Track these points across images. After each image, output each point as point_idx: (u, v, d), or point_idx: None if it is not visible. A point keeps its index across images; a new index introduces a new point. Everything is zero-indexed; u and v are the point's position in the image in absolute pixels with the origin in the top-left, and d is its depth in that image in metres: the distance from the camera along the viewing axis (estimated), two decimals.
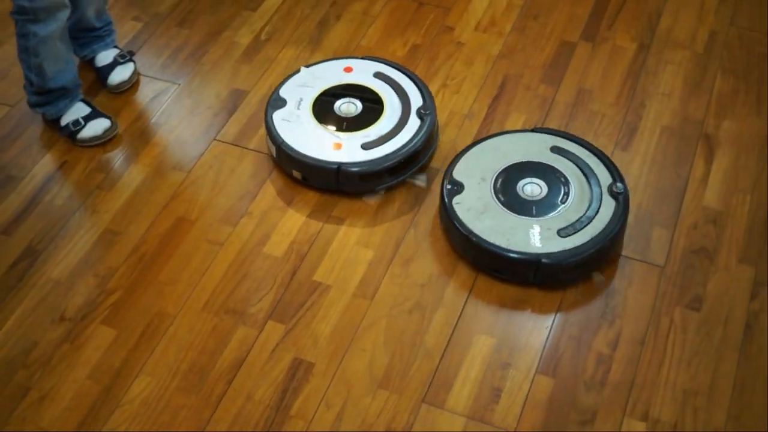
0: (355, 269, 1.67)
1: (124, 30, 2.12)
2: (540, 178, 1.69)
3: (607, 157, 1.72)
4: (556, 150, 1.73)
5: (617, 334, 1.55)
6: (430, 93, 1.85)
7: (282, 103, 1.84)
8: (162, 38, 2.10)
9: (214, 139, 1.88)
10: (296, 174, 1.77)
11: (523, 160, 1.72)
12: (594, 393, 1.48)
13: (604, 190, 1.66)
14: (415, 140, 1.76)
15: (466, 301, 1.61)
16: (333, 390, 1.50)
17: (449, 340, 1.56)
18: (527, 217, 1.62)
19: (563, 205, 1.64)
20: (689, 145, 1.84)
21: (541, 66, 1.99)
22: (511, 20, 2.09)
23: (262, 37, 2.09)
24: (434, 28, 2.08)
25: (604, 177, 1.69)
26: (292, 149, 1.75)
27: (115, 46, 2.01)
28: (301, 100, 1.84)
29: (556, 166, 1.71)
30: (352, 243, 1.71)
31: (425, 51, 2.03)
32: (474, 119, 1.90)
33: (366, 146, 1.75)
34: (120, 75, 1.97)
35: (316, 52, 2.05)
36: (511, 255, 1.57)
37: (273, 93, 1.86)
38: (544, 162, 1.71)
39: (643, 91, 1.93)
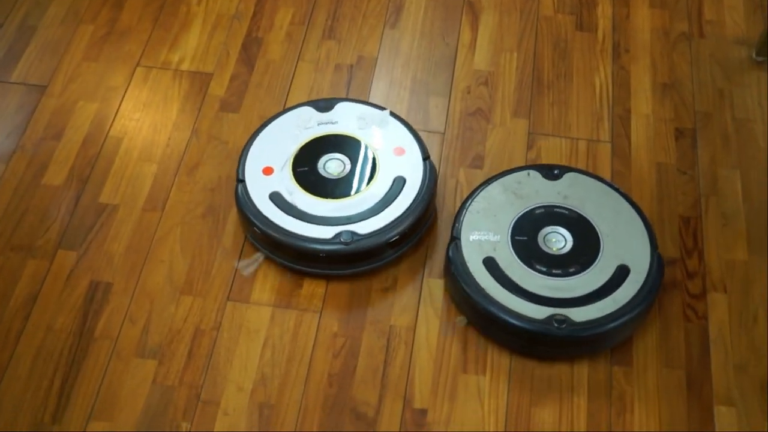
0: (142, 185, 1.63)
1: None
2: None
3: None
4: None
5: None
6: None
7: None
8: None
9: None
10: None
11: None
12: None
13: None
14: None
15: None
16: (135, 305, 1.48)
17: (246, 237, 1.56)
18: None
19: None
20: (454, 13, 1.88)
21: None
22: None
23: None
24: None
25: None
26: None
27: None
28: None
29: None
30: (135, 159, 1.66)
31: None
32: (242, 19, 1.88)
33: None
34: None
35: None
36: None
37: None
38: None
39: None
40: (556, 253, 1.45)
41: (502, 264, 1.43)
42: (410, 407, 1.37)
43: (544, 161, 1.65)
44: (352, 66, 1.80)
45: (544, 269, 1.43)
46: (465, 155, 1.66)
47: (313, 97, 1.74)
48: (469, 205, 1.51)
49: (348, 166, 1.56)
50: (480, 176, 1.63)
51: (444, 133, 1.70)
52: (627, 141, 1.68)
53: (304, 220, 1.49)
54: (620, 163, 1.65)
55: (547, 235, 1.47)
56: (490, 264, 1.43)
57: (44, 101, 1.75)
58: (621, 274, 1.42)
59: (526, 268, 1.43)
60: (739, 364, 1.41)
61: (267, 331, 1.45)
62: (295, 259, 1.49)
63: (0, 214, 1.59)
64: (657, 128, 1.70)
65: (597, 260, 1.44)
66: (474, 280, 1.41)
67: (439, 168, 1.64)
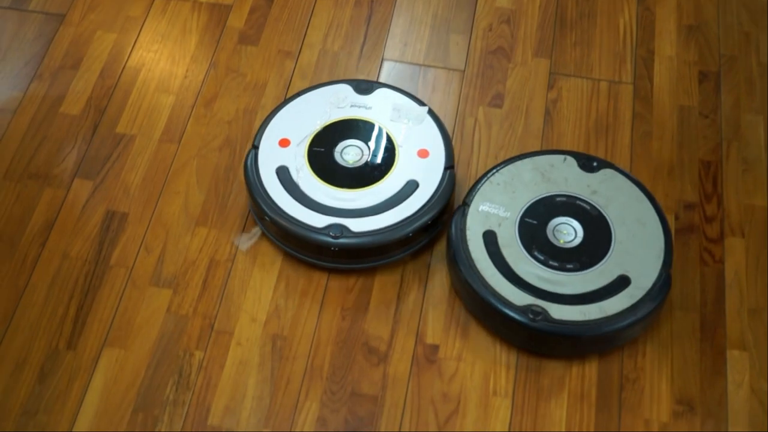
0: (159, 116, 1.62)
1: None
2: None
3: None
4: None
5: None
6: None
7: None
8: None
9: None
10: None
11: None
12: None
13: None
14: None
15: None
16: (150, 235, 1.48)
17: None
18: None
19: None
20: None
21: None
22: None
23: None
24: None
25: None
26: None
27: None
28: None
29: None
30: (152, 90, 1.66)
31: None
32: None
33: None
34: None
35: None
36: None
37: None
38: None
39: None
40: (561, 245, 1.38)
41: (501, 242, 1.38)
42: (422, 342, 1.38)
43: (565, 102, 1.63)
44: (372, 1, 1.77)
45: (541, 258, 1.36)
46: (484, 94, 1.65)
47: (332, 32, 1.73)
48: (492, 175, 1.45)
49: (365, 157, 1.47)
50: (499, 115, 1.61)
51: (464, 71, 1.68)
52: (649, 83, 1.66)
53: (301, 203, 1.41)
54: (642, 106, 1.63)
55: (558, 225, 1.40)
56: (489, 238, 1.38)
57: (62, 30, 1.74)
58: (619, 284, 1.34)
59: (524, 252, 1.37)
60: (754, 309, 1.41)
61: (281, 264, 1.45)
62: (282, 239, 1.43)
63: (17, 143, 1.59)
64: (680, 71, 1.68)
65: (599, 264, 1.36)
66: (467, 249, 1.37)
67: (458, 106, 1.63)
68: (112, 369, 1.35)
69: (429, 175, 1.45)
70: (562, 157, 1.47)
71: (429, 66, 1.68)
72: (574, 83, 1.66)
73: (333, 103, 1.53)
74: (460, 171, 1.55)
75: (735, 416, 1.32)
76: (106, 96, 1.65)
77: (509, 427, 1.30)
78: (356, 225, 1.40)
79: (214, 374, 1.35)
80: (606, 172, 1.46)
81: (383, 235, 1.39)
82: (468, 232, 1.39)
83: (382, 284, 1.43)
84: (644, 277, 1.35)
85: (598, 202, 1.42)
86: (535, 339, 1.34)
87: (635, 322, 1.32)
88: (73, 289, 1.42)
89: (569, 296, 1.33)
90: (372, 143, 1.49)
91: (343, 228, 1.39)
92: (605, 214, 1.41)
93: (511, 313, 1.32)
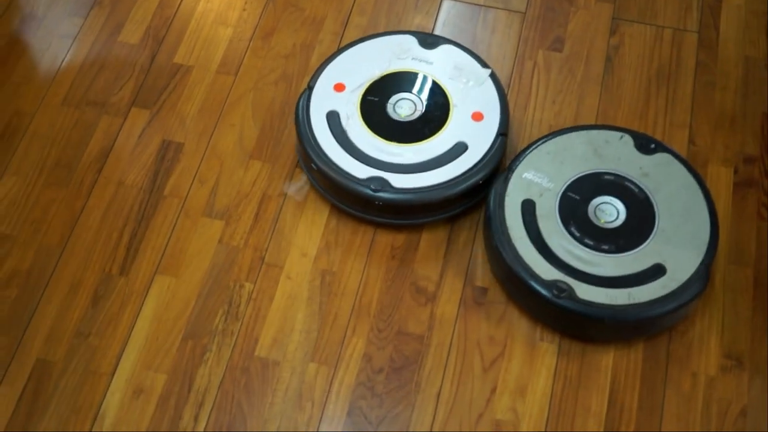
0: (216, 48, 1.62)
1: None
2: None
3: None
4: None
5: None
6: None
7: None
8: None
9: None
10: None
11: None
12: None
13: None
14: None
15: None
16: (205, 166, 1.49)
17: None
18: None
19: None
20: None
21: None
22: None
23: None
24: None
25: None
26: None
27: None
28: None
29: None
30: (210, 22, 1.65)
31: None
32: None
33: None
34: None
35: None
36: None
37: None
38: None
39: None
40: (601, 225, 1.33)
41: (540, 212, 1.33)
42: (471, 284, 1.38)
43: (627, 48, 1.60)
44: None
45: (577, 234, 1.32)
46: (545, 37, 1.62)
47: None
48: (542, 143, 1.40)
49: (417, 113, 1.44)
50: (559, 59, 1.59)
51: (525, 13, 1.65)
52: (715, 32, 1.62)
53: (346, 150, 1.39)
54: (705, 54, 1.59)
55: (601, 204, 1.35)
56: (527, 207, 1.34)
57: None
58: (654, 272, 1.29)
59: (561, 226, 1.32)
60: None
61: (330, 209, 1.45)
62: (324, 186, 1.42)
63: (77, 69, 1.60)
64: (748, 20, 1.63)
65: (636, 249, 1.31)
66: (503, 215, 1.33)
67: (517, 49, 1.60)
68: (164, 296, 1.37)
69: (480, 140, 1.41)
70: (619, 134, 1.41)
71: (489, 7, 1.66)
72: (637, 29, 1.62)
73: (395, 53, 1.50)
74: (516, 115, 1.53)
75: None
76: (165, 26, 1.65)
77: (555, 373, 1.30)
78: (398, 180, 1.37)
79: (263, 306, 1.36)
80: (663, 156, 1.39)
81: (423, 195, 1.36)
82: (507, 198, 1.35)
83: (433, 225, 1.43)
84: (681, 270, 1.29)
85: (648, 185, 1.36)
86: (555, 316, 1.30)
87: (664, 313, 1.26)
88: (128, 217, 1.44)
89: (599, 278, 1.28)
90: (427, 99, 1.46)
91: (384, 182, 1.36)
92: (652, 199, 1.35)
93: (536, 286, 1.28)
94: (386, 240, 1.41)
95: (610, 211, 1.35)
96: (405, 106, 1.45)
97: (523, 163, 1.39)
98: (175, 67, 1.60)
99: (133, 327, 1.35)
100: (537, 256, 1.30)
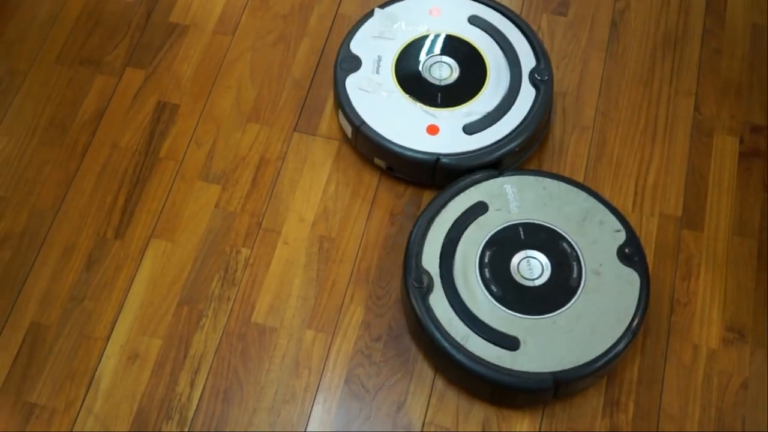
0: (213, 6, 1.59)
1: None
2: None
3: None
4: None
5: None
6: (542, 46, 1.45)
7: (356, 63, 1.43)
8: None
9: None
10: (379, 162, 1.41)
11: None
12: None
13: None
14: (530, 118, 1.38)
15: (330, 28, 1.56)
16: (201, 128, 1.46)
17: (316, 68, 1.52)
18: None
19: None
20: None
21: None
22: None
23: None
24: None
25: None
26: (374, 132, 1.37)
27: None
28: (380, 58, 1.43)
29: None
30: None
31: None
32: None
33: (469, 129, 1.38)
34: None
35: None
36: None
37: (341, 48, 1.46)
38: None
39: None
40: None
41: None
42: None
43: (633, 13, 1.57)
44: None
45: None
46: (549, 0, 1.59)
47: None
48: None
49: (454, 76, 1.42)
50: (563, 24, 1.56)
51: None
52: None
53: None
54: (713, 21, 1.56)
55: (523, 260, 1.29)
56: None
57: None
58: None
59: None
60: None
61: (332, 165, 1.43)
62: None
63: (70, 27, 1.56)
64: None
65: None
66: None
67: (521, 12, 1.57)
68: (159, 261, 1.35)
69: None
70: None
71: None
72: None
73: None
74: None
75: None
76: None
77: None
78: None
79: (260, 272, 1.34)
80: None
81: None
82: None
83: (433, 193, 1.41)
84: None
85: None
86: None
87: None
88: (122, 179, 1.42)
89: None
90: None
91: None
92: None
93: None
94: (385, 206, 1.39)
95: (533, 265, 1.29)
96: (440, 70, 1.43)
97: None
98: (171, 26, 1.56)
99: (128, 291, 1.33)
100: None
